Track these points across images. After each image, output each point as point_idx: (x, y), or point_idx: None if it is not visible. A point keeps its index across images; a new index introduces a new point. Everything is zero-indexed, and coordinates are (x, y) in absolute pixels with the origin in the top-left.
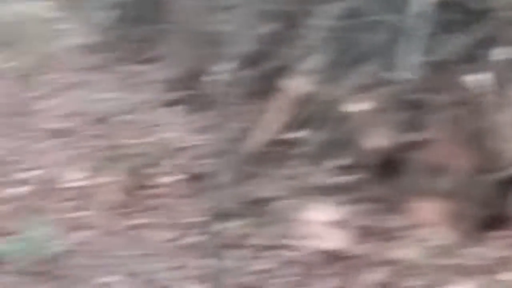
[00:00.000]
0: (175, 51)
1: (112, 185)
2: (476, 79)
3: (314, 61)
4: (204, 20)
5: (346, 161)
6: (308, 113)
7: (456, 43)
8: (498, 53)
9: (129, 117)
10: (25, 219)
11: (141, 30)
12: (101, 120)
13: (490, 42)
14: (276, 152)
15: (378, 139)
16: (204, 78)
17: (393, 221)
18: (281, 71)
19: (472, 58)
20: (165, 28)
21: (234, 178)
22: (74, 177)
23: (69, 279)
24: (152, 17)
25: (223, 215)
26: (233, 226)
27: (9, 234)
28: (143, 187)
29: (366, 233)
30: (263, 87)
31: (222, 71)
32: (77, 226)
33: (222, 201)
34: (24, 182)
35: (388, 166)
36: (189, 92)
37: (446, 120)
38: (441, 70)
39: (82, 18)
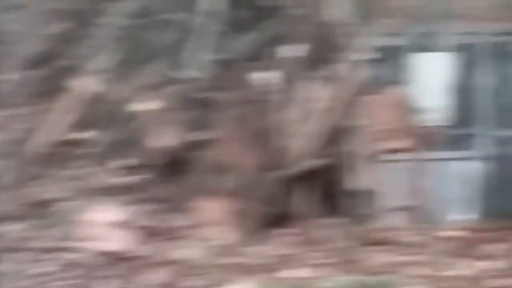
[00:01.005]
0: None
1: None
2: (263, 77)
3: (103, 60)
4: None
5: (132, 161)
6: (96, 113)
7: (244, 41)
8: (286, 51)
9: None
10: None
11: None
12: None
13: (278, 40)
14: (61, 153)
15: (164, 139)
16: None
17: (177, 221)
18: (70, 70)
19: (260, 56)
20: None
21: (16, 180)
22: None
23: None
24: None
25: (3, 218)
26: (13, 229)
27: None
28: None
29: (150, 234)
30: (51, 87)
31: (8, 71)
32: None
33: (2, 203)
34: None
35: (174, 165)
36: None
37: (232, 118)
38: (229, 69)
39: None
